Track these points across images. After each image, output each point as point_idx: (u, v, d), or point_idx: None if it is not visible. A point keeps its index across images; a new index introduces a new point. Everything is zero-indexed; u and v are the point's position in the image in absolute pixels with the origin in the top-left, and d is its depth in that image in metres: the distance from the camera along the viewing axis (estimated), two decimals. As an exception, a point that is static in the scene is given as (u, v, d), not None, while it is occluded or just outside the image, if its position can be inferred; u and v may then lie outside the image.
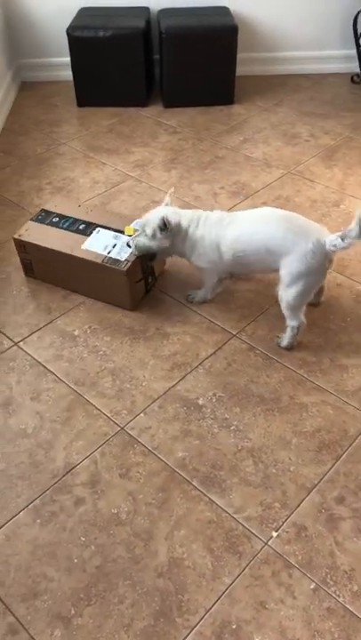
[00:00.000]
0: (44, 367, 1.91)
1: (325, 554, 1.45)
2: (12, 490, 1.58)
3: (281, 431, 1.72)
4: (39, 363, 1.93)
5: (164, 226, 1.89)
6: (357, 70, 3.65)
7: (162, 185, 2.77)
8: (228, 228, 1.91)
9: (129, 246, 2.01)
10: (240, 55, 3.32)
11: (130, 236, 2.05)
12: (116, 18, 3.29)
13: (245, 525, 1.51)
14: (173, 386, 1.85)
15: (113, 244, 2.07)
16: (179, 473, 1.62)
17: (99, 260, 2.02)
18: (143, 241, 1.95)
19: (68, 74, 3.48)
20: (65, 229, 2.15)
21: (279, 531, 1.50)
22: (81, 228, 2.15)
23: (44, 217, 2.22)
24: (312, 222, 1.89)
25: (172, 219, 1.91)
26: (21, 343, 1.99)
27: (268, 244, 1.84)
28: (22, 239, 2.14)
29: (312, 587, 1.39)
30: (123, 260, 2.01)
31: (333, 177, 2.79)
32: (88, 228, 2.14)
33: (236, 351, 1.96)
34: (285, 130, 3.20)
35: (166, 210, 1.97)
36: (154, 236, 1.93)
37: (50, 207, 2.26)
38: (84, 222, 2.17)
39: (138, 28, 3.20)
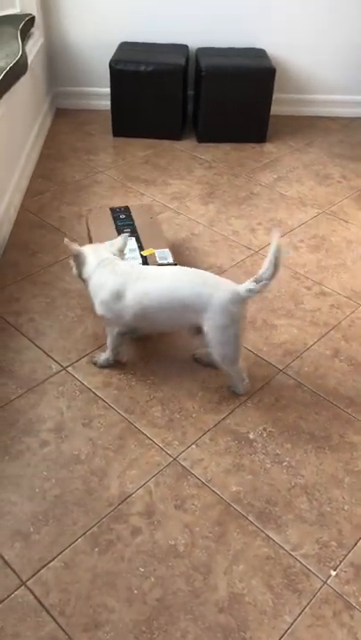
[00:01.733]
0: (94, 393, 1.92)
1: (385, 596, 1.45)
2: (69, 516, 1.58)
3: (333, 469, 1.73)
4: (89, 389, 1.94)
5: (75, 255, 1.88)
6: (385, 116, 3.77)
7: (200, 218, 2.82)
8: (138, 281, 1.83)
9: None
10: (274, 95, 3.42)
11: (147, 256, 2.19)
12: (157, 54, 3.38)
13: (303, 563, 1.51)
14: (223, 419, 1.86)
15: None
16: (234, 507, 1.62)
17: None
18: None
19: (103, 103, 3.57)
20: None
21: (337, 570, 1.50)
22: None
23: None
24: (220, 277, 1.88)
25: (84, 250, 1.88)
26: (70, 368, 2.00)
27: (185, 299, 1.80)
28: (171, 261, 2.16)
29: (374, 629, 1.40)
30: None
31: (367, 219, 2.86)
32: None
33: (283, 387, 1.98)
34: (318, 170, 3.28)
35: (97, 245, 1.95)
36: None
37: None
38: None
39: (179, 64, 3.29)
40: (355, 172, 3.27)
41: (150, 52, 3.41)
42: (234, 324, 1.80)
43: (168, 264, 2.17)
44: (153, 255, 2.21)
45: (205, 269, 2.25)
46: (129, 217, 2.45)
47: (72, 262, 1.92)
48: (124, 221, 2.42)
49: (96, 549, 1.51)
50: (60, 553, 1.50)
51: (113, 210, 2.49)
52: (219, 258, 2.56)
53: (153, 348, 2.09)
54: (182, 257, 2.53)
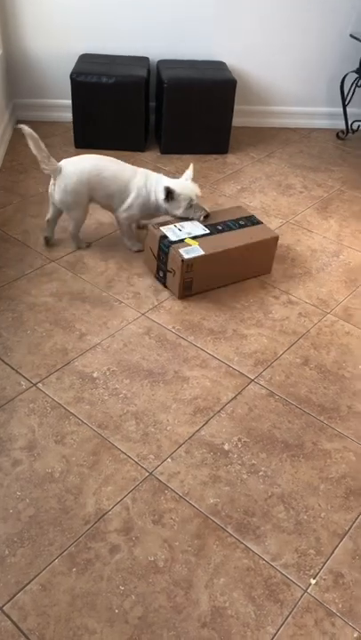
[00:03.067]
0: (66, 409, 1.89)
1: (364, 601, 1.47)
2: (45, 537, 1.54)
3: (308, 477, 1.75)
4: (60, 405, 1.90)
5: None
6: (343, 127, 3.85)
7: (166, 229, 2.82)
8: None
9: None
10: (235, 107, 3.46)
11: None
12: (118, 66, 3.38)
13: (283, 573, 1.51)
14: (198, 430, 1.86)
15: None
16: (212, 519, 1.61)
17: (255, 240, 2.43)
18: None
19: (64, 115, 3.55)
20: (200, 237, 2.40)
21: (317, 578, 1.51)
22: (220, 228, 2.47)
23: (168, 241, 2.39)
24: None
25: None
26: (40, 384, 1.97)
27: None
28: (188, 257, 2.29)
29: (355, 635, 1.40)
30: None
31: (330, 228, 2.92)
32: (213, 228, 2.45)
33: (255, 396, 1.99)
34: (279, 180, 3.33)
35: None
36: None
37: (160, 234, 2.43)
38: (205, 227, 2.45)
39: (140, 76, 3.29)
40: (315, 181, 3.33)
41: (111, 64, 3.41)
42: None
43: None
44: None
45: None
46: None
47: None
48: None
49: (74, 569, 1.48)
50: (37, 575, 1.46)
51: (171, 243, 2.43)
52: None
53: (124, 361, 2.08)
54: (146, 267, 2.52)
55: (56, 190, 2.47)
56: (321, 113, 3.93)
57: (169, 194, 2.41)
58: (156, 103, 3.54)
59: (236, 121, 3.64)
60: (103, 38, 3.52)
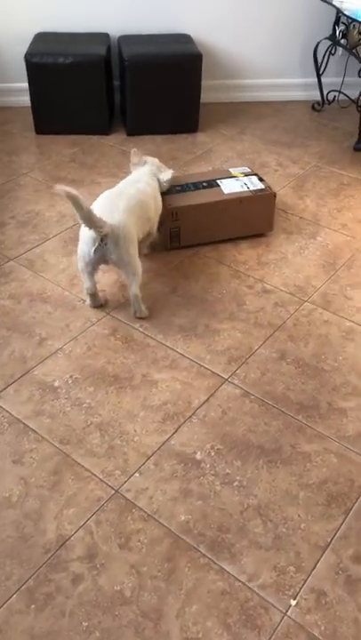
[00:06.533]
0: (25, 424, 1.75)
1: (349, 621, 1.36)
2: (1, 570, 1.42)
3: (286, 485, 1.63)
4: (18, 420, 1.77)
5: None
6: (318, 98, 3.67)
7: (133, 218, 2.66)
8: None
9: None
10: (202, 82, 3.27)
11: (242, 177, 2.54)
12: (76, 44, 3.18)
13: (261, 595, 1.40)
14: (167, 440, 1.73)
15: (243, 183, 2.49)
16: (183, 539, 1.49)
17: (249, 194, 2.43)
18: None
19: (23, 99, 3.35)
20: (194, 190, 2.46)
21: (298, 598, 1.40)
22: (205, 185, 2.50)
23: (168, 191, 2.41)
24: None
25: None
26: (-3, 397, 1.83)
27: None
28: (174, 206, 2.36)
29: (340, 662, 1.30)
30: (264, 187, 2.48)
31: (306, 208, 2.76)
32: (210, 184, 2.50)
33: (229, 397, 1.86)
34: (253, 159, 3.16)
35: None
36: None
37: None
38: (203, 182, 2.51)
39: (99, 54, 3.10)
40: (290, 158, 3.17)
41: (68, 42, 3.20)
42: None
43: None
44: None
45: (142, 273, 2.12)
46: (180, 184, 2.49)
47: None
48: (187, 186, 2.49)
49: (33, 606, 1.36)
50: (-7, 615, 1.34)
51: (165, 194, 2.40)
52: (155, 262, 2.41)
53: (88, 366, 1.94)
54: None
55: (110, 253, 1.99)
56: (294, 84, 3.74)
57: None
58: (121, 82, 3.34)
59: (206, 97, 3.45)
60: (59, 15, 3.31)
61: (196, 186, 2.49)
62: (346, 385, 1.91)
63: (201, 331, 2.10)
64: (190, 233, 2.45)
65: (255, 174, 2.57)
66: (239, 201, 2.42)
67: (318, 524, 1.54)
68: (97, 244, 1.95)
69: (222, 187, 2.48)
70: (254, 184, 2.50)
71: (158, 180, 2.34)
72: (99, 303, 2.17)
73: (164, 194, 2.37)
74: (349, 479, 1.64)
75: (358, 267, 2.42)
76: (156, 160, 2.43)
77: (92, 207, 1.92)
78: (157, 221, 2.30)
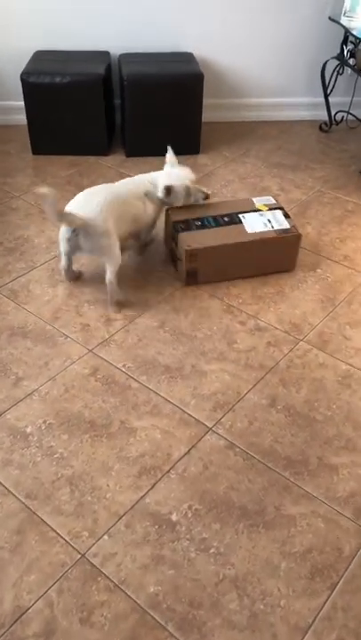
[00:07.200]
0: (-9, 475, 1.65)
1: None
2: None
3: (268, 553, 1.49)
4: (-15, 470, 1.66)
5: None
6: (325, 118, 3.54)
7: (125, 245, 2.56)
8: None
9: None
10: (205, 101, 3.16)
11: (266, 211, 2.38)
12: (74, 63, 3.09)
13: None
14: (142, 497, 1.61)
15: (267, 220, 2.34)
16: (151, 615, 1.37)
17: (273, 235, 2.28)
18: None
19: (21, 118, 3.26)
20: (215, 227, 2.32)
21: None
22: (226, 220, 2.35)
23: (186, 226, 2.32)
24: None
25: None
26: (-35, 444, 1.72)
27: None
28: (193, 247, 2.23)
29: None
30: (290, 227, 2.32)
31: (307, 237, 2.63)
32: (232, 218, 2.35)
33: (212, 449, 1.73)
34: (254, 183, 3.04)
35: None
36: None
37: (176, 218, 2.36)
38: (224, 215, 2.37)
39: (97, 74, 3.00)
40: (293, 182, 3.04)
41: (67, 61, 3.12)
42: None
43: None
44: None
45: (129, 306, 2.03)
46: (199, 218, 2.37)
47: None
48: (207, 220, 2.36)
49: None
50: None
51: (183, 229, 2.33)
52: (146, 291, 2.30)
53: (63, 410, 1.82)
54: (101, 293, 2.26)
55: (82, 243, 2.14)
56: (301, 103, 3.62)
57: (168, 191, 2.30)
58: (121, 101, 3.25)
59: (209, 116, 3.34)
60: (60, 33, 3.23)
61: (217, 221, 2.34)
62: (339, 437, 1.78)
63: (187, 372, 1.98)
64: (209, 273, 2.32)
65: (280, 208, 2.42)
66: (263, 242, 2.28)
67: (300, 601, 1.40)
68: (69, 234, 2.12)
69: (245, 224, 2.32)
70: (279, 222, 2.34)
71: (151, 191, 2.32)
72: (72, 278, 2.33)
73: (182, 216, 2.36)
74: (337, 548, 1.51)
75: (359, 302, 2.28)
76: (176, 172, 2.38)
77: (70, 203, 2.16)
78: (150, 227, 2.38)
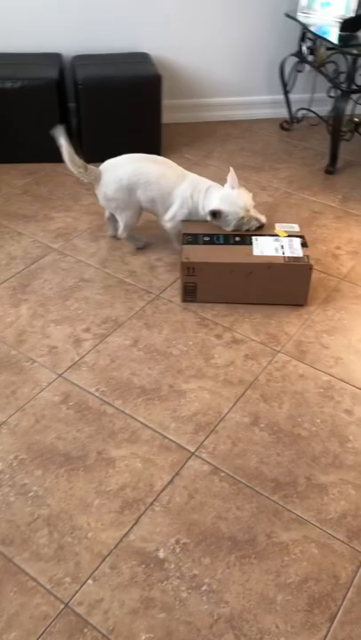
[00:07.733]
0: None
1: None
2: None
3: (262, 586, 1.42)
4: None
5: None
6: (286, 116, 3.49)
7: (90, 258, 2.44)
8: None
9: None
10: (164, 102, 3.07)
11: (283, 237, 2.25)
12: (26, 67, 2.95)
13: None
14: (126, 534, 1.51)
15: (280, 246, 2.20)
16: (144, 666, 1.28)
17: (281, 261, 2.13)
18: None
19: (-28, 126, 3.10)
20: (222, 244, 2.22)
21: None
22: (237, 239, 2.24)
23: (194, 239, 2.24)
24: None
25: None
26: None
27: None
28: (191, 260, 2.14)
29: None
30: (302, 255, 2.15)
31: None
32: (244, 239, 2.24)
33: (197, 476, 1.65)
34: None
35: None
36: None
37: (187, 230, 2.28)
38: (237, 235, 2.25)
39: (50, 78, 2.87)
40: (258, 184, 2.98)
41: (18, 64, 2.97)
42: None
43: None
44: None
45: (99, 324, 1.95)
46: (209, 234, 2.28)
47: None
48: (217, 237, 2.27)
49: None
50: None
51: (190, 242, 2.25)
52: (114, 308, 2.20)
53: (35, 444, 1.71)
54: (67, 310, 2.15)
55: (98, 197, 2.38)
56: (261, 102, 3.56)
57: (215, 215, 2.23)
58: (76, 105, 3.12)
59: (169, 117, 3.26)
60: (8, 35, 3.08)
61: (227, 239, 2.23)
62: (326, 454, 1.72)
63: (165, 392, 1.89)
64: (208, 291, 2.21)
65: (301, 236, 2.26)
66: (267, 267, 2.13)
67: (300, 638, 1.33)
68: (95, 185, 2.37)
69: (254, 246, 2.20)
70: (293, 249, 2.19)
71: (203, 207, 2.28)
72: (112, 232, 2.54)
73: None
74: (333, 575, 1.44)
75: (334, 309, 2.23)
76: (235, 196, 2.24)
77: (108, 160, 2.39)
78: (168, 215, 2.35)
